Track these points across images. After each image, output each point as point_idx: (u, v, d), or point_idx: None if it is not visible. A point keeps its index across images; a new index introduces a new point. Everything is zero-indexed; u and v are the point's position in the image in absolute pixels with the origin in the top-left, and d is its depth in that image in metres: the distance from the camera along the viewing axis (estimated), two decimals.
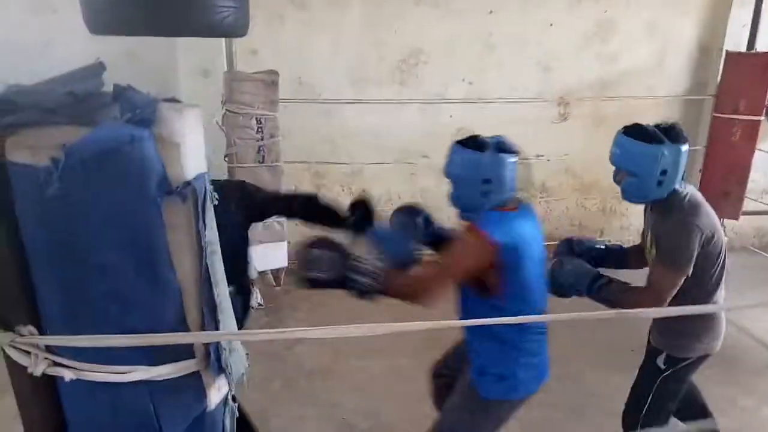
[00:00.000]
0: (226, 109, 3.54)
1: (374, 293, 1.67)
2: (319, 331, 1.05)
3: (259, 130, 3.64)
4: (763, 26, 4.38)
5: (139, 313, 1.03)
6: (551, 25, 4.43)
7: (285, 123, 4.01)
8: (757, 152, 4.34)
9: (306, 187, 4.41)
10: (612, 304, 1.93)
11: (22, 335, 0.95)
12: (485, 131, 4.63)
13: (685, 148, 1.94)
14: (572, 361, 3.24)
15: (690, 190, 2.02)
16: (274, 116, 3.73)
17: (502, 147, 1.84)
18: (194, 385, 1.15)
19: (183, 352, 1.11)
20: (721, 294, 2.07)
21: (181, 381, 1.12)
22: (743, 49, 4.46)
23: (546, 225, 4.91)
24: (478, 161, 1.80)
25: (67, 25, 2.41)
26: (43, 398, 1.04)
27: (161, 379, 1.08)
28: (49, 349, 1.01)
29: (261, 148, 3.65)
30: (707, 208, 1.99)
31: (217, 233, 1.13)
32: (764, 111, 4.22)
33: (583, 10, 4.44)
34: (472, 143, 1.85)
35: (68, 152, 0.88)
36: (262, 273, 3.89)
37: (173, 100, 1.05)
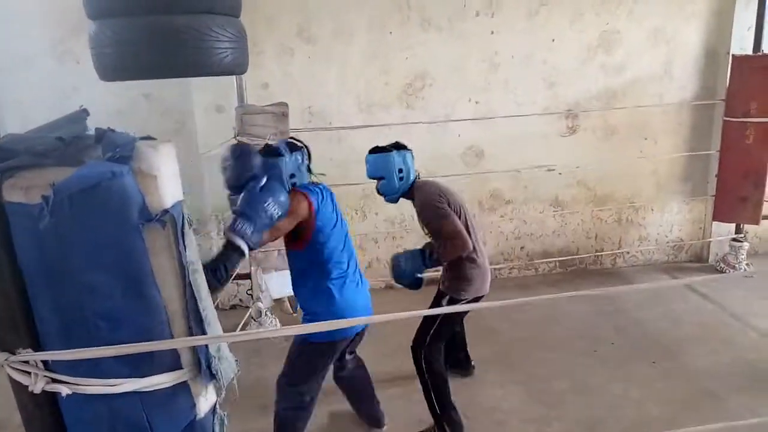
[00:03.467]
0: (238, 141, 3.70)
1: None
2: (298, 328, 1.14)
3: None
4: None
5: (128, 329, 1.14)
6: (553, 40, 4.50)
7: None
8: None
9: None
10: (438, 262, 2.71)
11: (17, 354, 1.07)
12: (493, 148, 4.68)
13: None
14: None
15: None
16: None
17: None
18: (184, 395, 1.25)
19: (171, 364, 1.21)
20: (480, 247, 2.79)
21: (170, 391, 1.22)
22: (750, 51, 4.44)
23: (562, 238, 4.93)
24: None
25: (90, 74, 2.61)
26: (45, 413, 1.15)
27: (151, 389, 1.19)
28: (47, 367, 1.13)
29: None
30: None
31: (197, 253, 1.24)
32: None
33: (584, 24, 4.50)
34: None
35: (56, 190, 1.01)
36: (278, 300, 4.00)
37: (149, 138, 1.18)
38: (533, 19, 4.44)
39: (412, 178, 2.77)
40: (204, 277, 1.25)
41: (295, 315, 4.30)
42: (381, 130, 4.38)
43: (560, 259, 4.92)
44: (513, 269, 4.99)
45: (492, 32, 4.45)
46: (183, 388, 1.24)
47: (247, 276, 3.99)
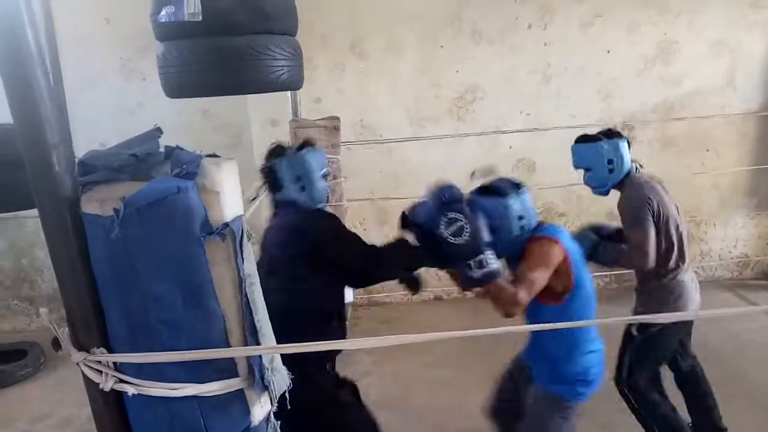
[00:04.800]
0: None
1: (476, 287, 1.91)
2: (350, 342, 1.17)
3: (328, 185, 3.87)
4: None
5: (188, 336, 1.20)
6: (609, 52, 4.42)
7: (350, 163, 4.26)
8: None
9: (370, 222, 4.61)
10: (610, 264, 2.52)
11: (93, 354, 1.15)
12: (545, 160, 4.64)
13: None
14: None
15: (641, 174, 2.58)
16: (337, 159, 3.97)
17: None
18: (239, 402, 1.30)
19: (228, 371, 1.27)
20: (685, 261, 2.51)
21: (227, 398, 1.27)
22: None
23: None
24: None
25: (154, 91, 2.77)
26: (112, 410, 1.23)
27: (209, 395, 1.24)
28: (116, 367, 1.20)
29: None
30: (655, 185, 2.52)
31: (255, 266, 1.30)
32: None
33: (641, 35, 4.41)
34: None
35: (126, 203, 1.09)
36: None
37: (214, 156, 1.24)
38: (587, 30, 4.38)
39: (626, 169, 2.49)
40: (260, 290, 1.30)
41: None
42: (432, 142, 4.42)
43: (616, 272, 4.78)
44: None
45: (545, 44, 4.41)
46: (239, 395, 1.29)
47: None
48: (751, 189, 4.72)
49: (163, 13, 2.39)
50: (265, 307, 1.32)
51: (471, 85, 4.46)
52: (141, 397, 1.22)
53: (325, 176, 2.22)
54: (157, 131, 1.28)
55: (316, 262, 2.01)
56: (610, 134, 2.55)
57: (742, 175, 4.67)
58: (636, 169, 2.55)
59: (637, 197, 2.40)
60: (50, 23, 3.16)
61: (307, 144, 2.25)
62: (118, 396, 1.24)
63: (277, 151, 2.20)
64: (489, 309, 1.93)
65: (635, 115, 4.52)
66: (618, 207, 2.50)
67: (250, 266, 1.27)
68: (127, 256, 1.13)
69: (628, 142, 2.53)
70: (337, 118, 3.99)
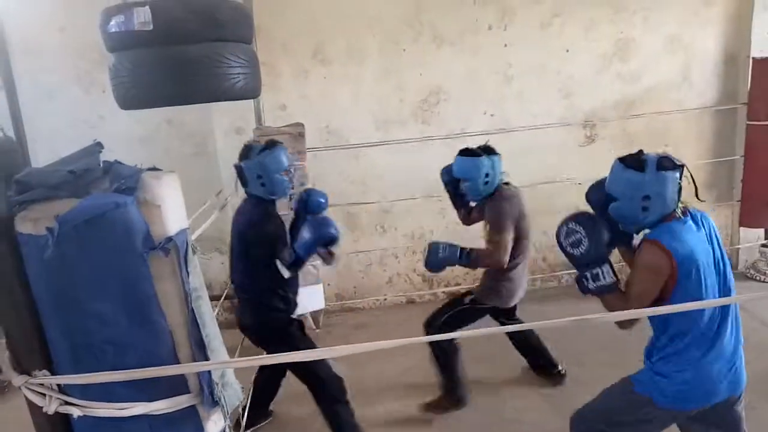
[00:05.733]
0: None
1: (588, 294, 1.98)
2: (303, 354, 1.16)
3: (289, 179, 3.86)
4: None
5: (135, 354, 1.18)
6: (568, 51, 4.49)
7: (317, 169, 4.24)
8: None
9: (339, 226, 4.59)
10: (471, 265, 2.92)
11: (34, 377, 1.12)
12: (510, 160, 4.68)
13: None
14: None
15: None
16: (303, 165, 3.95)
17: (663, 164, 1.90)
18: (191, 419, 1.28)
19: (177, 388, 1.25)
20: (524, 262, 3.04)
21: (177, 415, 1.25)
22: None
23: None
24: (639, 181, 1.90)
25: (115, 102, 2.72)
26: None
27: (159, 413, 1.22)
28: (61, 390, 1.17)
29: (291, 196, 3.84)
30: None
31: (201, 279, 1.28)
32: None
33: (598, 34, 4.48)
34: (633, 161, 1.94)
35: (61, 221, 1.07)
36: (300, 316, 4.03)
37: (154, 169, 1.22)
38: (546, 30, 4.44)
39: (497, 183, 2.93)
40: (208, 303, 1.28)
41: (318, 331, 4.34)
42: (398, 146, 4.42)
43: (557, 273, 4.85)
44: (536, 281, 4.94)
45: (505, 45, 4.46)
46: (191, 412, 1.27)
47: None
48: (711, 182, 4.83)
49: (113, 23, 2.36)
50: (214, 319, 1.31)
51: (434, 87, 4.48)
52: (88, 419, 1.19)
53: (288, 171, 2.69)
54: (98, 146, 1.26)
55: (248, 246, 2.62)
56: (489, 151, 2.94)
57: (701, 168, 4.78)
58: (505, 182, 2.99)
59: (504, 204, 2.84)
60: (2, 41, 3.03)
61: (270, 144, 2.68)
62: (64, 419, 1.21)
63: (243, 153, 2.68)
64: None
65: (596, 112, 4.59)
66: (486, 214, 2.91)
67: (196, 279, 1.25)
68: (65, 276, 1.11)
69: (500, 159, 2.95)
70: (302, 125, 3.97)
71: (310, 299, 4.01)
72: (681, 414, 2.00)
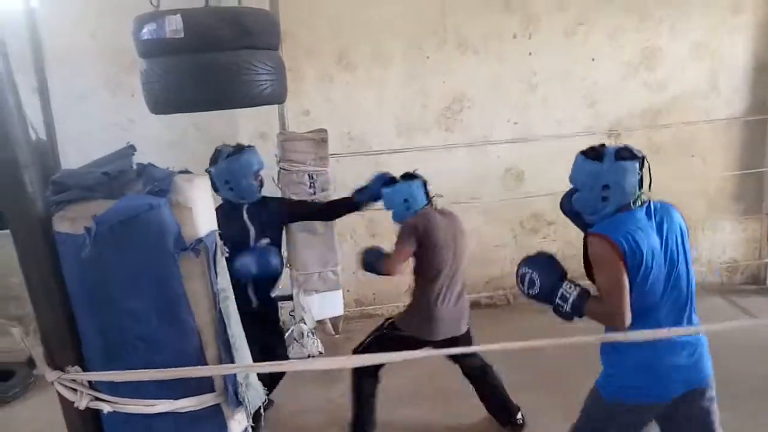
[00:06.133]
0: (280, 167, 3.83)
1: (573, 317, 1.97)
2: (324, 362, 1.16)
3: (312, 185, 3.88)
4: None
5: (164, 351, 1.21)
6: (593, 59, 4.46)
7: (339, 176, 4.27)
8: None
9: (361, 234, 4.61)
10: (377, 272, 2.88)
11: (67, 372, 1.15)
12: (534, 168, 4.64)
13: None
14: None
15: None
16: (326, 171, 3.97)
17: (621, 154, 1.95)
18: (215, 417, 1.31)
19: (203, 387, 1.27)
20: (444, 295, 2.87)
21: (202, 413, 1.28)
22: None
23: None
24: (597, 171, 1.95)
25: (143, 105, 2.79)
26: (89, 428, 1.23)
27: (185, 411, 1.25)
28: (91, 386, 1.21)
29: (314, 202, 3.88)
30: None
31: (229, 281, 1.31)
32: None
33: (624, 42, 4.45)
34: (593, 153, 2.00)
35: (98, 221, 1.10)
36: (320, 322, 4.05)
37: (186, 172, 1.26)
38: (571, 38, 4.42)
39: (420, 205, 2.90)
40: (234, 303, 1.31)
41: (337, 336, 4.35)
42: (420, 152, 4.43)
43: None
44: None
45: (530, 53, 4.45)
46: (215, 410, 1.30)
47: (290, 297, 4.08)
48: (739, 194, 4.75)
49: (145, 30, 2.42)
50: (239, 321, 1.33)
51: (458, 94, 4.49)
52: (117, 415, 1.23)
53: (255, 175, 2.82)
54: (131, 148, 1.30)
55: None
56: (408, 176, 3.00)
57: (729, 180, 4.70)
58: (432, 203, 2.97)
59: (412, 223, 2.80)
60: (38, 47, 3.13)
61: (239, 148, 2.82)
62: (94, 414, 1.24)
63: (212, 158, 2.80)
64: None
65: (621, 121, 4.55)
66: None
67: (224, 281, 1.28)
68: (100, 274, 1.14)
69: (420, 184, 2.97)
70: (325, 131, 3.99)
71: (329, 305, 4.03)
72: (646, 409, 1.99)
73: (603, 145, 2.02)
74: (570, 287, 1.95)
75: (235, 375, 1.26)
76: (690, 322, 1.98)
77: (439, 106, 4.51)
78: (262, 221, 2.91)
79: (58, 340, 1.16)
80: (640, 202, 1.96)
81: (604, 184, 1.92)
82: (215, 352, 1.26)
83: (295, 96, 4.36)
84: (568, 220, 4.71)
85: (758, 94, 4.54)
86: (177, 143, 4.30)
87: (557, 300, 1.96)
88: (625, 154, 1.95)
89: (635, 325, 1.87)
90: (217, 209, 2.53)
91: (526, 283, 2.05)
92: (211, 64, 2.35)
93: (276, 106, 4.04)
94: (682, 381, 1.94)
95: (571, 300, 1.93)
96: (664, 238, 1.94)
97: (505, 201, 4.50)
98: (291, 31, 4.17)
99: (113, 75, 4.28)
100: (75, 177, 1.23)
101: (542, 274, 2.01)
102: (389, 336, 2.91)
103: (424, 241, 2.78)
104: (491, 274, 4.71)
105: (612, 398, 1.99)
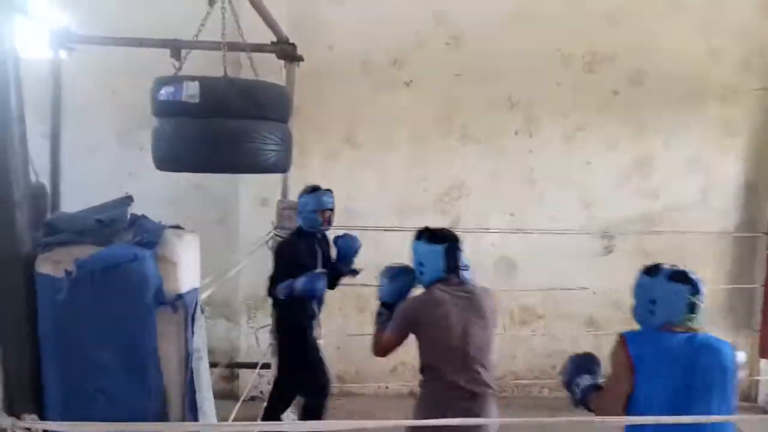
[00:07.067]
0: (275, 234, 3.86)
1: (580, 405, 2.12)
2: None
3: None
4: None
5: (124, 407, 1.18)
6: (589, 163, 4.61)
7: (332, 249, 4.29)
8: None
9: (350, 309, 4.58)
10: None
11: (23, 420, 1.12)
12: (526, 261, 4.64)
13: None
14: None
15: None
16: None
17: (674, 276, 1.99)
18: None
19: None
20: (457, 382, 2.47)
21: None
22: None
23: None
24: (647, 285, 2.05)
25: (149, 161, 2.85)
26: None
27: None
28: None
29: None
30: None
31: (205, 340, 1.30)
32: None
33: (620, 149, 4.62)
34: (649, 268, 2.08)
35: (79, 265, 1.11)
36: None
37: (178, 227, 1.28)
38: (569, 142, 4.60)
39: (435, 275, 2.47)
40: (207, 366, 1.29)
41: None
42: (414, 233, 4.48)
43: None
44: (543, 388, 4.78)
45: (530, 151, 4.61)
46: None
47: (269, 366, 3.98)
48: (730, 308, 4.73)
49: (162, 91, 2.53)
50: (210, 382, 1.30)
51: (457, 182, 4.61)
52: None
53: (323, 211, 3.44)
54: (128, 199, 1.33)
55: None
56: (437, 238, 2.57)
57: (720, 293, 4.70)
58: (444, 279, 2.48)
59: (412, 300, 2.54)
60: (57, 94, 3.24)
61: (315, 188, 3.45)
62: None
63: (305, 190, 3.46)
64: None
65: (615, 225, 4.64)
66: None
67: (200, 340, 1.27)
68: (72, 320, 1.14)
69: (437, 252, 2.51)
70: None
71: None
72: None
73: (660, 264, 2.09)
74: (586, 379, 2.11)
75: None
76: None
77: (437, 191, 4.62)
78: (324, 252, 3.51)
79: (19, 385, 1.13)
80: (684, 328, 1.96)
81: (651, 299, 1.99)
82: (179, 411, 1.23)
83: (300, 168, 4.47)
84: (557, 316, 4.68)
85: (748, 211, 4.65)
86: (176, 200, 4.36)
87: (573, 387, 2.12)
88: (679, 276, 1.99)
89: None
90: (296, 231, 3.42)
91: (562, 373, 2.25)
92: (221, 130, 2.43)
93: (280, 175, 4.14)
94: None
95: (580, 389, 2.09)
96: (694, 371, 1.90)
97: (495, 291, 4.48)
98: (303, 107, 4.35)
99: (125, 129, 4.41)
100: (68, 221, 1.25)
101: (572, 365, 2.19)
102: None
103: (417, 328, 2.42)
104: None
105: None
